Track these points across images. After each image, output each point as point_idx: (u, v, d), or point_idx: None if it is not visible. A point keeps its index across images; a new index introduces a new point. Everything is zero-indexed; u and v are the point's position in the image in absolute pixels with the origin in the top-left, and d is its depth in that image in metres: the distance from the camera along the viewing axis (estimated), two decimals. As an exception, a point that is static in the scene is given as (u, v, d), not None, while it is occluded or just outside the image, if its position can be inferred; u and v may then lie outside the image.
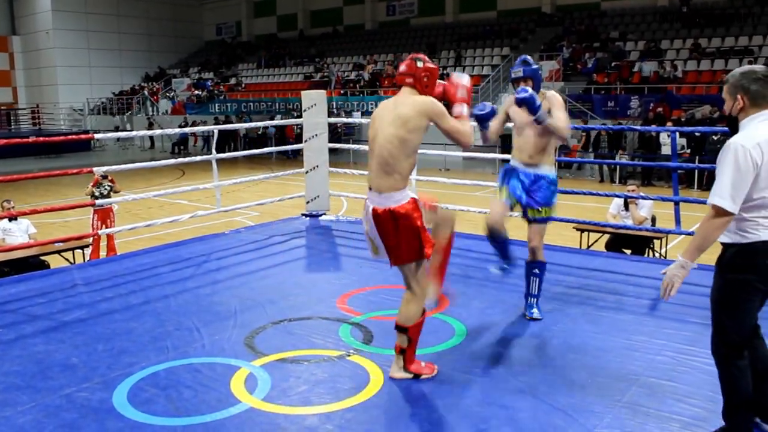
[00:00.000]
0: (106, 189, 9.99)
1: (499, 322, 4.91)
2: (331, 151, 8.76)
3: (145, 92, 38.06)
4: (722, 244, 3.09)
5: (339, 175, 9.17)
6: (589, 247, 8.43)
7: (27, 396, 3.83)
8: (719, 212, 2.93)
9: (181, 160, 8.04)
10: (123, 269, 6.49)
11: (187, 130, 9.95)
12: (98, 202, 8.46)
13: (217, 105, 33.26)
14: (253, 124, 9.88)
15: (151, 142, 32.66)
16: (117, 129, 32.14)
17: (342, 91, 28.80)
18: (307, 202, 8.40)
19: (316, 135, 8.13)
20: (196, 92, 35.41)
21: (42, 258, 8.34)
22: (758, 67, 3.12)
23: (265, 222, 9.09)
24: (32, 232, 8.92)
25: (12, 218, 8.63)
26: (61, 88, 38.80)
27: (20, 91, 40.87)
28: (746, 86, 3.06)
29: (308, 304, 5.36)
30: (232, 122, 27.99)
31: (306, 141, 8.22)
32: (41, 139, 8.14)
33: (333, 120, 9.17)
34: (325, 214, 8.46)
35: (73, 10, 38.72)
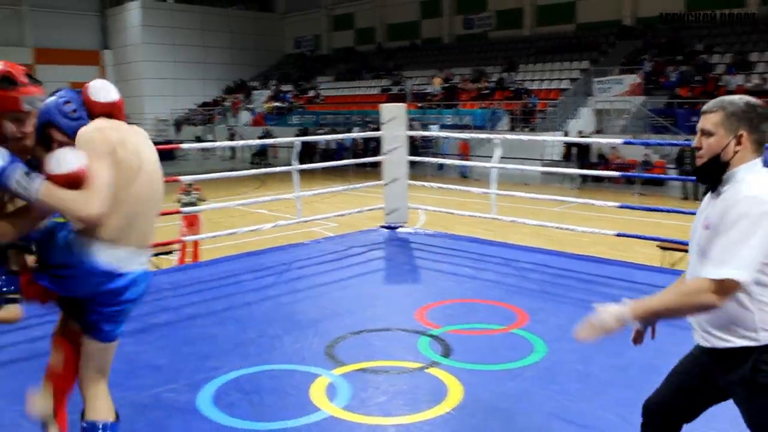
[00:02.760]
0: (194, 197, 10.34)
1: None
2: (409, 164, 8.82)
3: (227, 104, 39.10)
4: (735, 350, 2.24)
5: (416, 187, 9.21)
6: (672, 265, 8.21)
7: (118, 393, 3.96)
8: (728, 288, 2.12)
9: (264, 170, 8.24)
10: (207, 275, 6.68)
11: (269, 141, 10.17)
12: (185, 209, 8.74)
13: (295, 117, 33.86)
14: (333, 136, 10.07)
15: (232, 152, 33.46)
16: (199, 139, 33.08)
17: (419, 105, 28.90)
18: (387, 214, 8.46)
19: (396, 148, 8.20)
20: (276, 104, 36.15)
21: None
22: (755, 100, 2.30)
23: (343, 233, 9.20)
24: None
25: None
26: (147, 100, 40.32)
27: (110, 103, 42.56)
28: (755, 123, 2.23)
29: (387, 315, 5.40)
30: (308, 134, 28.44)
31: (385, 154, 8.29)
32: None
33: (412, 133, 9.23)
34: (403, 226, 8.50)
35: (161, 25, 40.23)
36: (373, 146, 25.82)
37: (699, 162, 2.31)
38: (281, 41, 46.41)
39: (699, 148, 2.31)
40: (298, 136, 27.65)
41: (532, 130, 24.67)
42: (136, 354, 4.60)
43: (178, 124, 39.48)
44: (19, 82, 2.62)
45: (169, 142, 31.91)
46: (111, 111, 2.89)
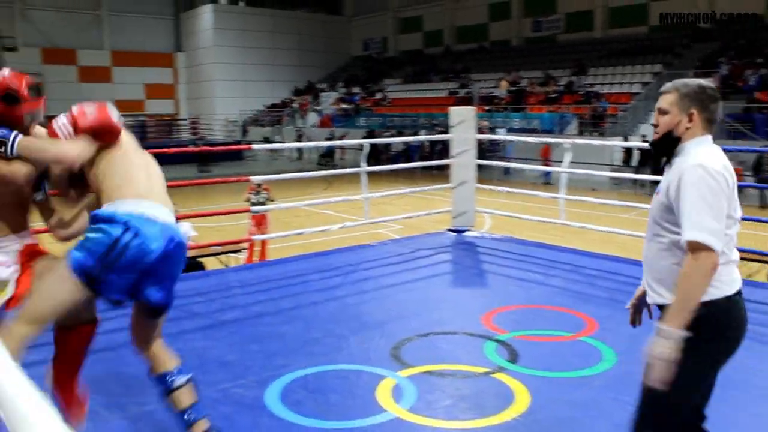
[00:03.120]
0: (263, 197, 10.52)
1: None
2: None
3: (295, 105, 39.63)
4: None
5: (481, 191, 9.15)
6: (749, 277, 7.94)
7: (189, 388, 4.08)
8: (710, 263, 2.32)
9: (333, 171, 8.32)
10: (275, 274, 6.78)
11: (338, 143, 10.26)
12: (254, 208, 8.89)
13: (363, 119, 34.08)
14: (402, 139, 10.07)
15: (299, 153, 33.89)
16: (267, 140, 33.62)
17: (486, 108, 28.73)
18: (454, 218, 8.43)
19: (465, 151, 8.16)
20: (343, 106, 36.46)
21: (199, 260, 8.86)
22: (707, 82, 2.58)
23: (410, 235, 9.21)
24: (192, 235, 9.47)
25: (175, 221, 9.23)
26: (218, 101, 41.21)
27: (182, 104, 43.76)
28: (705, 103, 2.51)
29: (453, 319, 5.38)
30: (375, 136, 28.59)
31: (454, 157, 8.27)
32: (214, 148, 8.70)
33: (481, 136, 9.18)
34: (470, 230, 8.46)
35: (232, 28, 41.06)
36: (439, 149, 25.79)
37: (655, 137, 2.59)
38: (348, 43, 46.78)
39: (656, 125, 2.58)
40: (365, 138, 27.84)
41: (601, 134, 24.21)
42: (206, 350, 4.71)
43: (244, 126, 40.21)
44: (22, 98, 2.85)
45: (238, 142, 32.56)
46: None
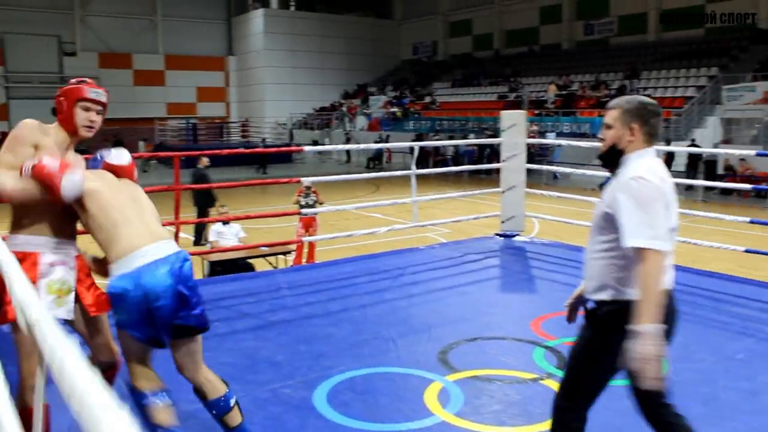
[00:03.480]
0: (312, 200, 10.60)
1: (703, 359, 4.62)
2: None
3: (344, 108, 39.85)
4: (602, 302, 2.73)
5: (532, 196, 9.08)
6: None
7: (239, 386, 4.12)
8: (649, 253, 2.52)
9: (382, 174, 8.34)
10: (323, 276, 6.83)
11: (388, 145, 10.30)
12: (303, 210, 8.97)
13: (411, 122, 34.09)
14: (450, 142, 10.06)
15: (347, 156, 34.06)
16: (315, 143, 33.88)
17: (536, 112, 28.47)
18: (502, 222, 8.38)
19: (515, 155, 8.11)
20: (392, 109, 36.53)
21: (249, 260, 8.98)
22: (649, 99, 2.80)
23: (458, 239, 9.18)
24: (242, 236, 9.63)
25: (225, 222, 9.37)
26: (267, 104, 41.69)
27: (232, 107, 44.39)
28: (646, 118, 2.72)
29: (501, 324, 5.35)
30: (423, 140, 28.58)
31: (504, 161, 8.23)
32: (268, 150, 8.79)
33: (531, 141, 9.11)
34: (519, 234, 8.40)
35: (282, 32, 41.51)
36: (487, 153, 25.65)
37: (601, 150, 2.83)
38: (398, 47, 46.85)
39: (603, 139, 2.81)
40: (414, 141, 27.83)
41: (655, 139, 23.67)
42: (255, 349, 4.77)
43: (291, 129, 40.58)
44: (86, 81, 3.18)
45: (287, 145, 32.88)
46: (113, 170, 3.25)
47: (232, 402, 3.19)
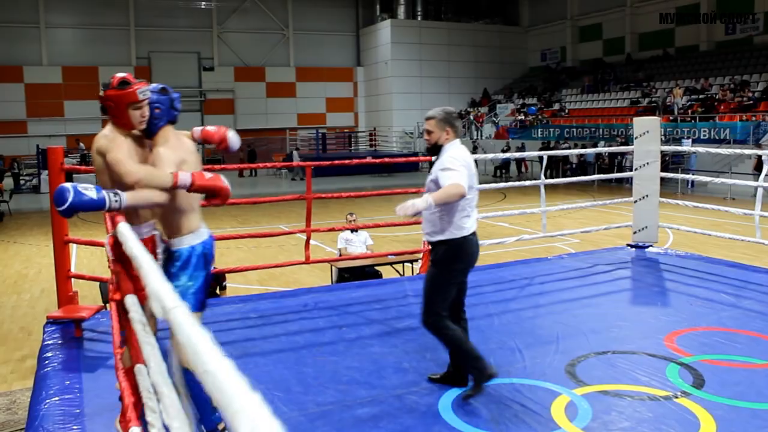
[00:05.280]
0: (437, 209, 10.64)
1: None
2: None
3: (471, 117, 39.75)
4: (436, 242, 4.14)
5: (666, 205, 8.73)
6: None
7: (365, 391, 4.23)
8: (459, 190, 3.89)
9: (511, 184, 8.26)
10: (449, 285, 6.83)
11: (517, 155, 10.20)
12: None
13: (539, 130, 33.54)
14: (582, 150, 9.84)
15: (475, 164, 33.82)
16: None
17: (671, 118, 27.29)
18: (634, 233, 8.11)
19: (648, 163, 7.84)
20: (520, 117, 36.07)
21: (376, 268, 9.12)
22: (451, 108, 4.28)
23: (587, 250, 8.95)
24: (369, 243, 9.79)
25: (353, 230, 9.57)
26: (395, 113, 42.21)
27: (360, 116, 45.26)
28: (452, 122, 4.21)
29: (633, 338, 5.17)
30: (550, 148, 28.03)
31: (636, 169, 7.96)
32: (398, 159, 9.02)
33: (666, 148, 8.76)
34: (652, 246, 8.09)
35: (409, 42, 41.94)
36: (618, 161, 24.83)
37: (428, 145, 4.29)
38: (525, 54, 46.21)
39: (428, 138, 4.25)
40: (541, 149, 27.38)
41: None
42: (382, 355, 4.86)
43: (418, 139, 40.83)
44: (132, 82, 3.46)
45: (414, 154, 33.13)
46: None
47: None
